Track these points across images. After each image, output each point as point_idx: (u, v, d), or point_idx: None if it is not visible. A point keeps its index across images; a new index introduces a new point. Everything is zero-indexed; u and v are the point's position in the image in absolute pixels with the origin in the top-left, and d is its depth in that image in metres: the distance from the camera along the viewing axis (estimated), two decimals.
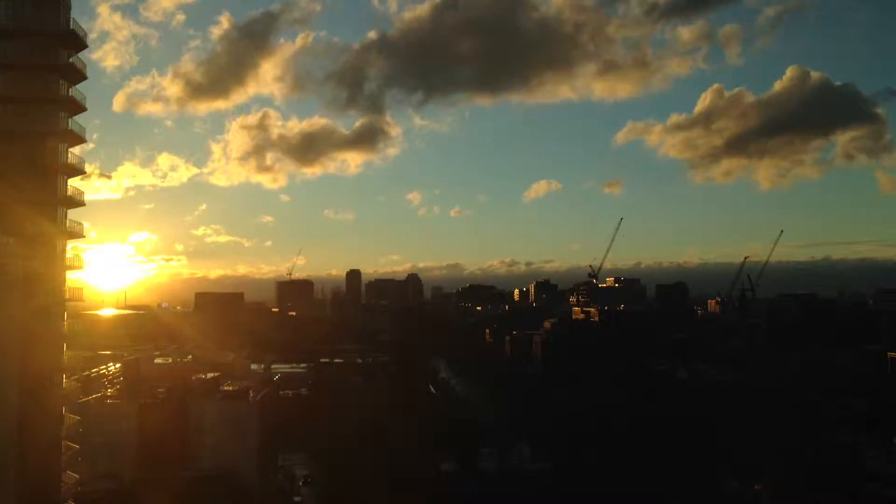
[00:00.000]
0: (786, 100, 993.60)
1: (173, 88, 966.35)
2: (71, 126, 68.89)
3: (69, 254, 69.89)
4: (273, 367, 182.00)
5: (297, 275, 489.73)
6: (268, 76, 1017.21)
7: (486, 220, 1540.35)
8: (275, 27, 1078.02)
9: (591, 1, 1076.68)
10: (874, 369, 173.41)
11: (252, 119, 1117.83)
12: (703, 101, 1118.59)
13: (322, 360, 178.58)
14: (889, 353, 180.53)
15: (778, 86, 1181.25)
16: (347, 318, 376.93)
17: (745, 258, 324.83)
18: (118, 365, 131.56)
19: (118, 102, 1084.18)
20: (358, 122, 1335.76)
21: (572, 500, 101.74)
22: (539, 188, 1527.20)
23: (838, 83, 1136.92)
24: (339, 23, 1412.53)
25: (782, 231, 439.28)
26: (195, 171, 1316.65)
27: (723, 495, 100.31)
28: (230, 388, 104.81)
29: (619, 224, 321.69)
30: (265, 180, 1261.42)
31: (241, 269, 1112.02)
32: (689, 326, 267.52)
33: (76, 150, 70.43)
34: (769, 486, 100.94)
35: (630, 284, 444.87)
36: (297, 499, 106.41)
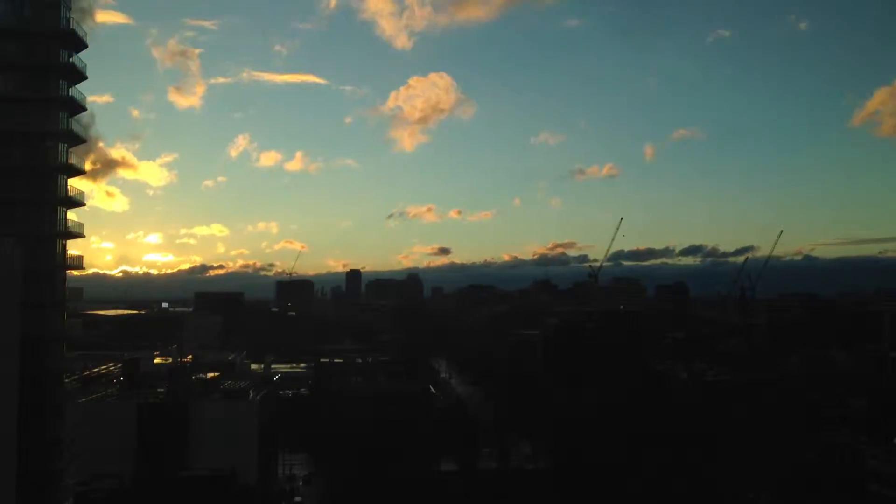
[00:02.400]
0: None
1: None
2: (71, 126, 68.96)
3: (69, 254, 70.02)
4: (273, 367, 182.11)
5: None
6: None
7: None
8: None
9: None
10: (874, 369, 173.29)
11: None
12: None
13: (322, 360, 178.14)
14: (890, 353, 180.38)
15: None
16: (347, 318, 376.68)
17: (746, 258, 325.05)
18: (118, 365, 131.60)
19: None
20: None
21: (572, 500, 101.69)
22: None
23: None
24: None
25: (782, 231, 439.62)
26: None
27: (722, 495, 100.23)
28: (230, 388, 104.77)
29: (620, 224, 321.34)
30: None
31: None
32: (689, 326, 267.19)
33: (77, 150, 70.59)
34: (769, 487, 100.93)
35: (630, 284, 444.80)
36: (297, 499, 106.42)
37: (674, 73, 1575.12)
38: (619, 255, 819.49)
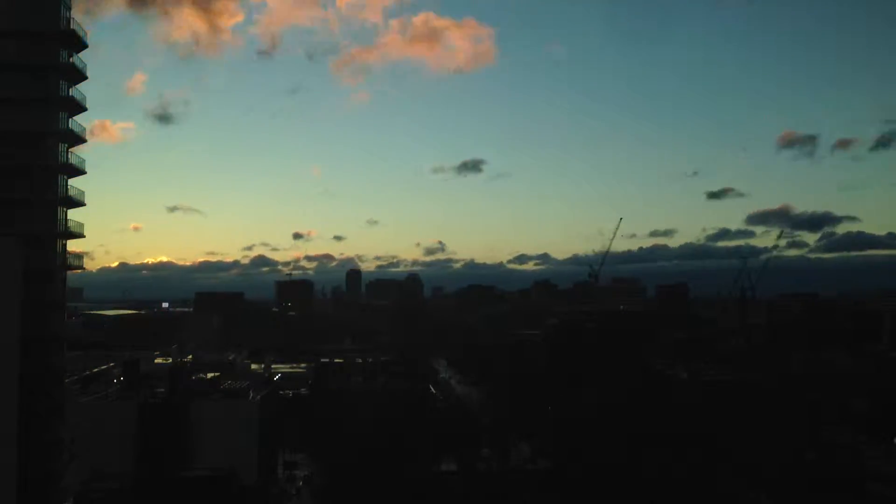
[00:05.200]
0: None
1: None
2: (71, 126, 68.96)
3: (69, 254, 70.03)
4: (273, 367, 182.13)
5: None
6: None
7: None
8: None
9: None
10: (874, 369, 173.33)
11: None
12: None
13: (322, 360, 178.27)
14: (890, 353, 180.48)
15: None
16: (347, 318, 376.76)
17: (746, 258, 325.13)
18: (118, 365, 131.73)
19: None
20: None
21: (572, 500, 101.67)
22: None
23: None
24: None
25: (782, 231, 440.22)
26: None
27: (722, 496, 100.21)
28: (230, 388, 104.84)
29: (619, 224, 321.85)
30: None
31: None
32: (689, 326, 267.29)
33: (76, 150, 70.57)
34: (769, 487, 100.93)
35: (630, 284, 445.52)
36: (297, 499, 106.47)
37: None
38: None
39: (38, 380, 62.85)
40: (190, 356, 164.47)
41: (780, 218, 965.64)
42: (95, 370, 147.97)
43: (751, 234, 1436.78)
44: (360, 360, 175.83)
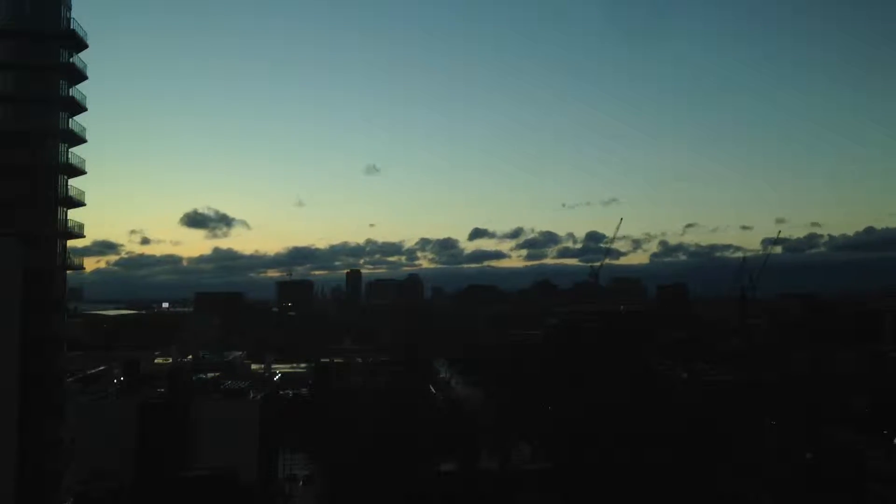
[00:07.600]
0: None
1: None
2: (71, 126, 68.99)
3: (69, 254, 70.06)
4: (273, 367, 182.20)
5: None
6: None
7: None
8: None
9: None
10: (874, 369, 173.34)
11: None
12: None
13: (322, 360, 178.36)
14: (890, 353, 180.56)
15: None
16: (347, 318, 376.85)
17: (744, 258, 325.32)
18: (118, 365, 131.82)
19: None
20: None
21: (572, 500, 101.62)
22: None
23: None
24: None
25: (780, 231, 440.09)
26: None
27: (723, 496, 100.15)
28: (230, 388, 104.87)
29: (619, 224, 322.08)
30: None
31: None
32: (689, 326, 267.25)
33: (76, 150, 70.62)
34: (769, 487, 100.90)
35: (630, 284, 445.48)
36: (297, 499, 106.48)
37: None
38: None
39: (38, 380, 62.83)
40: (190, 356, 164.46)
41: None
42: (95, 370, 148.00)
43: None
44: (360, 360, 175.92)
